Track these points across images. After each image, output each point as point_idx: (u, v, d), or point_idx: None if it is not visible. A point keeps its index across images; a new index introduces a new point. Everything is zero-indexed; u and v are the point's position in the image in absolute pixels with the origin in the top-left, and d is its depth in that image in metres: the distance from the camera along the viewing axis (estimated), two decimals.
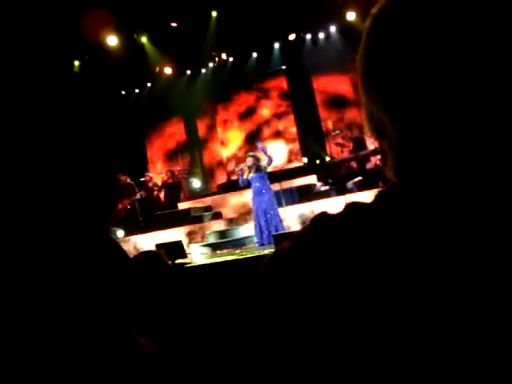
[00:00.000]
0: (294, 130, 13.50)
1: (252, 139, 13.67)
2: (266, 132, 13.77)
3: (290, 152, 13.60)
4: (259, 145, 9.24)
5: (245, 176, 8.78)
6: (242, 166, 9.04)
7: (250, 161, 8.72)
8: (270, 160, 8.81)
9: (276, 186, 9.40)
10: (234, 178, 9.82)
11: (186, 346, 1.94)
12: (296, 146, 13.52)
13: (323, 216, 0.62)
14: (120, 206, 10.88)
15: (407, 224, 0.55)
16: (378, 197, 0.60)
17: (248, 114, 13.93)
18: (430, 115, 0.55)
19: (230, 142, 14.20)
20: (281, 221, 8.68)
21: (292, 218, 9.36)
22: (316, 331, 0.56)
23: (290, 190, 10.13)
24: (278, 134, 13.69)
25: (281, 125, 13.65)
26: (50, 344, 0.66)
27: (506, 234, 0.51)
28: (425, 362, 0.51)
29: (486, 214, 0.52)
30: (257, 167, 8.65)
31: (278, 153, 13.27)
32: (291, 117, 13.60)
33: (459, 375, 0.50)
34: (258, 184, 8.66)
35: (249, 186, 8.96)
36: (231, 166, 13.83)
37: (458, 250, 0.52)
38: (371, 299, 0.53)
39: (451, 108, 0.54)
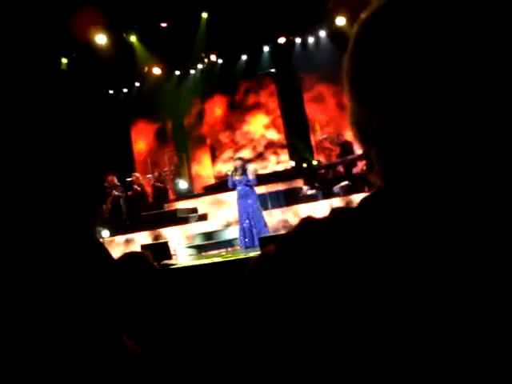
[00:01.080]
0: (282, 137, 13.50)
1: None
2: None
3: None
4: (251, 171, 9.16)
5: (234, 177, 8.74)
6: (231, 168, 9.00)
7: (237, 163, 8.68)
8: (255, 181, 8.76)
9: (262, 189, 9.36)
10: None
11: (170, 347, 1.93)
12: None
13: (309, 220, 0.62)
14: (105, 206, 10.78)
15: (394, 228, 0.55)
16: (364, 202, 0.60)
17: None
18: (421, 121, 0.55)
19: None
20: (265, 224, 8.65)
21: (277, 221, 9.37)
22: (301, 333, 0.56)
23: (276, 194, 10.13)
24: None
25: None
26: (33, 344, 0.65)
27: (492, 239, 0.52)
28: (416, 364, 0.51)
29: (474, 220, 0.53)
30: (243, 170, 8.61)
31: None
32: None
33: (457, 374, 0.50)
34: (242, 187, 8.62)
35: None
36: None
37: (442, 254, 0.52)
38: (356, 301, 0.53)
39: (442, 114, 0.54)
